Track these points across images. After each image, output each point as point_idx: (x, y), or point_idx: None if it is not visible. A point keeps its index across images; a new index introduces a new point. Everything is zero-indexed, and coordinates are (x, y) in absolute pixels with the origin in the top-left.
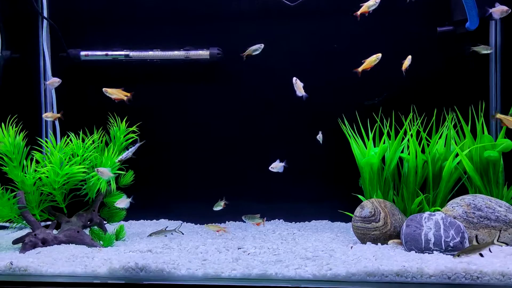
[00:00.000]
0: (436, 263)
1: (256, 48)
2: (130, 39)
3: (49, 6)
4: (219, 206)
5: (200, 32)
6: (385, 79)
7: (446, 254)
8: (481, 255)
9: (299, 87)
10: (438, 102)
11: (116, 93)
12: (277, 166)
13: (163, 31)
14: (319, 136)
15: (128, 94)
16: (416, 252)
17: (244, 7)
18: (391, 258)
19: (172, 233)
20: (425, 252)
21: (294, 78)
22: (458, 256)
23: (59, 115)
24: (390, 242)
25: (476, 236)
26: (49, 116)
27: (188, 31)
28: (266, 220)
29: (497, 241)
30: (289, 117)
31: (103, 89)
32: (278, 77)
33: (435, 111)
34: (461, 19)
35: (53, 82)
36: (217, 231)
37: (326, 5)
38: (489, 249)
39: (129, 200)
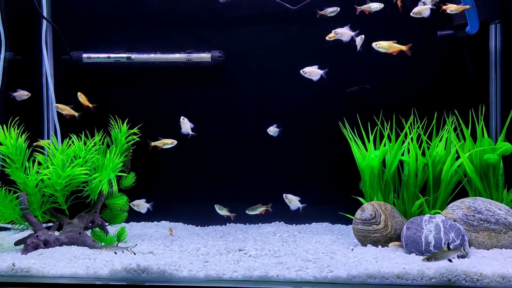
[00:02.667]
0: (437, 265)
1: (333, 11)
2: (132, 41)
3: (51, 9)
4: (223, 211)
5: (202, 35)
6: (385, 82)
7: None
8: (450, 260)
9: (313, 71)
10: (438, 105)
11: (66, 109)
12: (272, 131)
13: (165, 34)
14: (271, 129)
15: (90, 106)
16: (416, 254)
17: (246, 10)
18: (392, 261)
19: (123, 251)
20: (426, 255)
21: (303, 70)
22: (427, 260)
23: (76, 114)
24: (390, 244)
25: (448, 244)
26: (61, 108)
27: (190, 34)
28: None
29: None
30: (290, 120)
31: (55, 104)
32: (280, 80)
33: (436, 114)
34: (461, 23)
35: (21, 94)
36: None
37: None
38: (457, 256)
39: (147, 205)
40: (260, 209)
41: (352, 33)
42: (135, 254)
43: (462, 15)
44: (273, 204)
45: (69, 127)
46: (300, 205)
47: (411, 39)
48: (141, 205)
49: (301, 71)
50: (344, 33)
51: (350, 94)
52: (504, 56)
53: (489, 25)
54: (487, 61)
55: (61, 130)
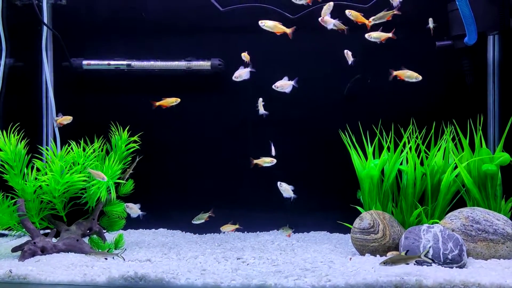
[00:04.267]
0: (435, 276)
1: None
2: (132, 49)
3: (52, 15)
4: (200, 219)
5: (202, 43)
6: (384, 92)
7: (445, 267)
8: (407, 264)
9: (284, 84)
10: (436, 115)
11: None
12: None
13: (165, 42)
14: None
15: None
16: (414, 264)
17: (246, 19)
18: (390, 270)
19: (113, 258)
20: (424, 265)
21: (275, 85)
22: (385, 264)
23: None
24: (389, 254)
25: (407, 251)
26: (58, 119)
27: (190, 42)
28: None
29: (424, 256)
30: (289, 128)
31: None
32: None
33: (434, 124)
34: (459, 34)
35: (64, 119)
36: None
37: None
38: (415, 262)
39: (139, 212)
40: (205, 216)
41: (333, 21)
42: (124, 260)
43: (461, 25)
44: (272, 213)
45: (69, 134)
46: (293, 195)
47: (410, 50)
48: (134, 210)
49: (273, 86)
50: (327, 21)
51: (348, 92)
52: (502, 66)
53: (487, 36)
54: (485, 71)
55: (60, 136)
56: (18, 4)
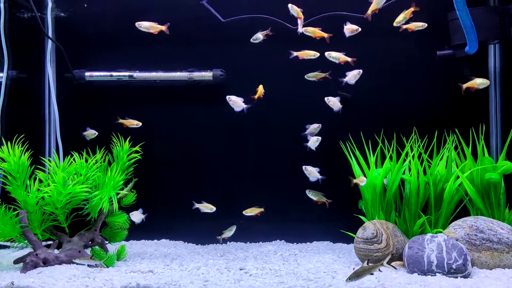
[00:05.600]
0: (439, 286)
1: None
2: (134, 60)
3: (55, 28)
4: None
5: (203, 54)
6: (386, 101)
7: (449, 277)
8: (372, 274)
9: (235, 101)
10: (439, 124)
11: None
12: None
13: (167, 53)
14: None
15: None
16: (418, 274)
17: (247, 30)
18: (394, 281)
19: (95, 265)
20: (428, 275)
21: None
22: (350, 279)
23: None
24: (392, 264)
25: (368, 260)
26: (87, 134)
27: (192, 53)
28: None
29: (387, 263)
30: (291, 138)
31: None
32: (281, 98)
33: (436, 133)
34: (460, 43)
35: (89, 133)
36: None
37: (329, 29)
38: (379, 269)
39: (142, 216)
40: (320, 198)
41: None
42: (107, 267)
43: (461, 35)
44: (274, 223)
45: (71, 145)
46: (320, 177)
47: (412, 59)
48: (137, 216)
49: (227, 97)
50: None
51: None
52: (503, 75)
53: (488, 45)
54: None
55: (63, 147)
56: (21, 16)
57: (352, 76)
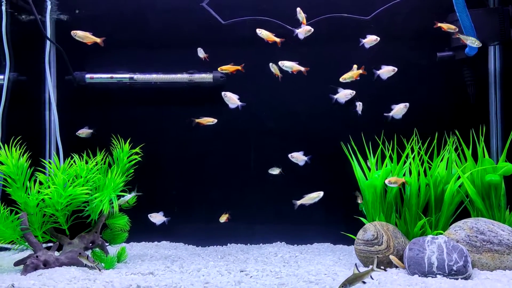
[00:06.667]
0: (440, 287)
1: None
2: (134, 62)
3: (55, 30)
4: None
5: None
6: (387, 104)
7: (450, 278)
8: (364, 282)
9: (231, 98)
10: (439, 125)
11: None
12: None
13: (167, 55)
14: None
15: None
16: (419, 276)
17: (248, 32)
18: (394, 282)
19: (85, 264)
20: (429, 276)
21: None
22: (343, 287)
23: (91, 130)
24: (391, 256)
25: (356, 264)
26: (82, 132)
27: (192, 55)
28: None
29: (376, 267)
30: (292, 140)
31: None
32: (281, 100)
33: (436, 135)
34: (460, 45)
35: (83, 132)
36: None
37: (329, 32)
38: (371, 276)
39: (164, 218)
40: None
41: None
42: (100, 271)
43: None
44: (274, 225)
45: (71, 147)
46: (306, 157)
47: (412, 61)
48: (158, 218)
49: (222, 93)
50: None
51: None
52: (504, 77)
53: (488, 46)
54: (486, 81)
55: (63, 149)
56: (22, 19)
57: (386, 71)
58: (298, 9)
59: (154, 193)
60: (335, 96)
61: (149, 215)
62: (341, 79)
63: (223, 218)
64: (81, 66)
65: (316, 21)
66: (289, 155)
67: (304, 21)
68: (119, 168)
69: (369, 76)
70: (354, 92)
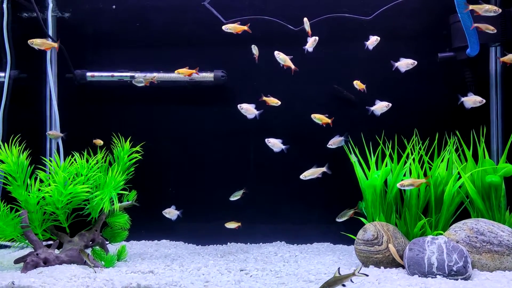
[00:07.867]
0: None
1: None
2: (135, 61)
3: (56, 28)
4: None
5: (204, 55)
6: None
7: (449, 279)
8: (344, 285)
9: (248, 109)
10: (439, 126)
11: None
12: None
13: (168, 53)
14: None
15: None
16: (419, 276)
17: (249, 32)
18: (394, 282)
19: (84, 262)
20: (428, 276)
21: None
22: None
23: (61, 134)
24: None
25: (339, 269)
26: (52, 134)
27: (193, 54)
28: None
29: (359, 272)
30: (292, 139)
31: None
32: (282, 99)
33: (437, 135)
34: (461, 46)
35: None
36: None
37: (330, 31)
38: (351, 280)
39: (177, 212)
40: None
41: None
42: (95, 271)
43: (463, 37)
44: (275, 225)
45: (72, 145)
46: (283, 146)
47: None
48: (172, 213)
49: (238, 106)
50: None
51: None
52: (504, 77)
53: (489, 47)
54: (487, 82)
55: (64, 147)
56: (23, 16)
57: (405, 63)
58: (305, 19)
59: (153, 191)
60: (372, 108)
61: (163, 212)
62: (312, 116)
63: (233, 225)
64: (82, 64)
65: (317, 20)
66: (266, 140)
67: (309, 31)
68: (120, 167)
69: (369, 76)
70: (391, 104)
